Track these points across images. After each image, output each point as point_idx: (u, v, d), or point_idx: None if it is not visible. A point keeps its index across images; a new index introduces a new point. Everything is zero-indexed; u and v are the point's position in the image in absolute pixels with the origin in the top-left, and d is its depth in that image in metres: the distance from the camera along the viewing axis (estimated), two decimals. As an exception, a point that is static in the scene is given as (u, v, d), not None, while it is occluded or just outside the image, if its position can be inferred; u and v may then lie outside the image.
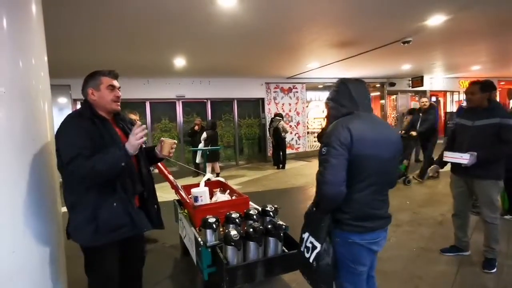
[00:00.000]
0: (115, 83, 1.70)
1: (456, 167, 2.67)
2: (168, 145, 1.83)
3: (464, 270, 2.61)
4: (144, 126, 1.60)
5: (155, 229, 1.88)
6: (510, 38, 6.16)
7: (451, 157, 2.55)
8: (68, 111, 7.62)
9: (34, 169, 1.67)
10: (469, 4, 4.03)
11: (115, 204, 1.58)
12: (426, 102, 5.90)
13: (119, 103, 1.71)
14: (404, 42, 5.62)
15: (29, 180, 1.65)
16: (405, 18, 4.57)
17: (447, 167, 2.82)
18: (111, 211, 1.57)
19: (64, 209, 1.73)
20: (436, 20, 4.58)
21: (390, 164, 1.48)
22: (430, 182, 5.58)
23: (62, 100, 7.67)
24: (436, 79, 12.30)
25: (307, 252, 1.47)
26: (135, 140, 1.54)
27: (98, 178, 1.52)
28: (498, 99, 6.44)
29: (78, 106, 7.81)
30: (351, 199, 1.40)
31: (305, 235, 1.51)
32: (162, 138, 1.87)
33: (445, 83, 12.60)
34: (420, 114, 5.76)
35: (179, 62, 6.52)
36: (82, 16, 3.69)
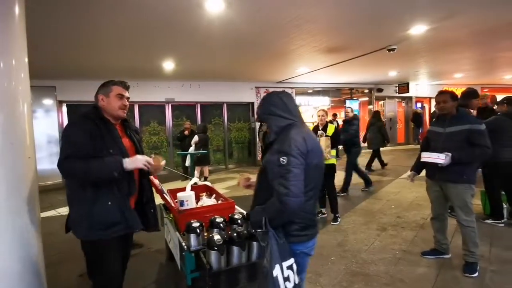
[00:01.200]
0: (125, 93, 1.84)
1: (430, 172, 2.78)
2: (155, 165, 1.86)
3: (445, 274, 2.67)
4: (163, 163, 1.84)
5: (152, 231, 2.04)
6: (492, 47, 6.40)
7: (429, 157, 2.65)
8: (54, 113, 7.48)
9: (13, 174, 1.65)
10: (449, 14, 4.19)
11: (109, 203, 1.68)
12: (349, 112, 5.59)
13: (125, 111, 1.85)
14: (389, 50, 5.77)
15: (8, 184, 1.63)
16: (389, 27, 4.71)
17: (423, 173, 2.91)
18: (105, 209, 1.67)
19: (44, 214, 1.72)
20: (418, 29, 4.73)
21: (323, 171, 1.54)
22: (414, 187, 5.70)
23: (48, 102, 7.49)
24: (421, 86, 12.62)
25: (289, 282, 1.34)
26: (140, 162, 1.71)
27: (88, 181, 1.63)
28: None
29: (64, 108, 7.69)
30: (302, 208, 1.38)
31: (276, 270, 1.32)
32: (152, 156, 1.91)
33: (430, 89, 12.94)
34: (345, 125, 5.60)
35: (169, 65, 6.51)
36: (69, 16, 3.65)
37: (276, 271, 1.32)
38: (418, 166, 2.89)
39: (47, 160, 7.14)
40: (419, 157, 2.82)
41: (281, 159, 1.34)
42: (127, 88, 1.87)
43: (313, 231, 1.48)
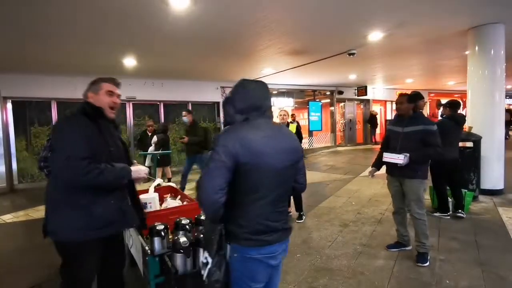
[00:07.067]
0: (115, 90, 1.77)
1: (390, 168, 2.99)
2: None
3: (401, 264, 2.87)
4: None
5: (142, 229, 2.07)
6: (437, 55, 7.05)
7: (390, 157, 2.87)
8: (-4, 110, 6.79)
9: None
10: (402, 23, 4.54)
11: (112, 201, 1.66)
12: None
13: (114, 112, 1.78)
14: (349, 54, 6.08)
15: None
16: (349, 32, 4.97)
17: (383, 169, 3.10)
18: (107, 207, 1.64)
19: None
20: (375, 36, 5.06)
21: (286, 173, 1.38)
22: (373, 184, 6.07)
23: (-11, 97, 6.75)
24: (378, 90, 13.48)
25: (202, 269, 1.35)
26: (143, 172, 1.78)
27: (95, 185, 1.57)
28: (428, 108, 7.06)
29: (9, 105, 7.02)
30: (246, 211, 1.32)
31: (201, 251, 1.45)
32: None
33: (385, 93, 13.86)
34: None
35: (130, 61, 6.20)
36: (14, 3, 3.31)
37: None
38: (378, 163, 3.08)
39: (-12, 162, 6.46)
40: (380, 154, 3.02)
41: (209, 153, 1.32)
42: (117, 85, 1.79)
43: (269, 237, 1.34)
